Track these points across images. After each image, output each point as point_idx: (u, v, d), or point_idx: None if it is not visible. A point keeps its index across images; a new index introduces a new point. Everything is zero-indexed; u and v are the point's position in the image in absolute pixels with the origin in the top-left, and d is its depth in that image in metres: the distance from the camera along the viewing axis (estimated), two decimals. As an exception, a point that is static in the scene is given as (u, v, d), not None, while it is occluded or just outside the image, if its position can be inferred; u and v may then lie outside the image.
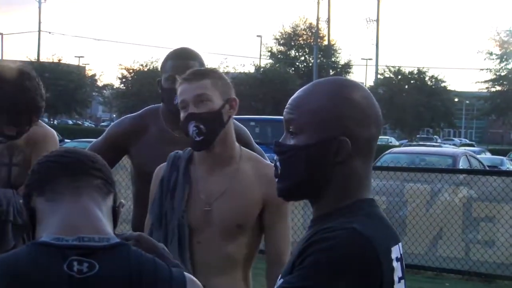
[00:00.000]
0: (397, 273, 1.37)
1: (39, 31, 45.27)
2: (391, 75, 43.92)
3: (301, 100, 1.45)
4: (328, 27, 42.76)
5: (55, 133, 2.91)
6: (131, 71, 43.81)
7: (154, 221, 2.40)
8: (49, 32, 62.39)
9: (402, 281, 1.40)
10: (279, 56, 51.32)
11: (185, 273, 1.38)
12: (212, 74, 2.38)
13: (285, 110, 1.47)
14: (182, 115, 2.37)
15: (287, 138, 1.45)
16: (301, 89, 1.49)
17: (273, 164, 2.42)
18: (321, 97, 1.42)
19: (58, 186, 1.40)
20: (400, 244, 1.43)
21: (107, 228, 1.39)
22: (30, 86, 2.59)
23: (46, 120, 48.91)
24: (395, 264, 1.37)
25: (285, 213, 2.41)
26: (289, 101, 1.48)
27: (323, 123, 1.40)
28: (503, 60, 41.95)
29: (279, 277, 1.43)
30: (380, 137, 1.51)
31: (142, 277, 1.32)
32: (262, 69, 44.47)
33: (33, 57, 45.42)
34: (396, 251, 1.39)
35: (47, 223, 1.38)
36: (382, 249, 1.34)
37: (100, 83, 55.77)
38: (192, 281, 1.38)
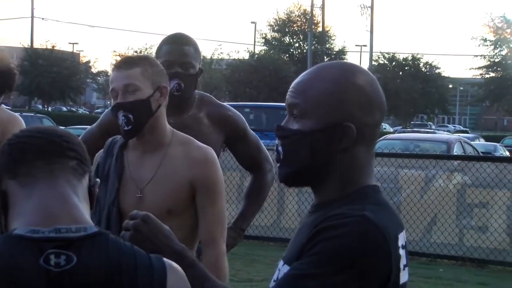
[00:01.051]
0: (403, 260, 1.37)
1: (32, 17, 44.97)
2: (386, 62, 43.91)
3: (306, 84, 1.42)
4: (323, 13, 42.60)
5: (19, 116, 3.12)
6: (125, 57, 43.61)
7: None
8: (43, 18, 62.09)
9: (406, 268, 1.39)
10: (273, 42, 51.17)
11: (165, 260, 1.34)
12: (142, 62, 2.38)
13: (288, 93, 1.44)
14: (113, 104, 2.39)
15: (290, 122, 1.42)
16: (304, 73, 1.46)
17: (205, 147, 2.43)
18: (327, 82, 1.40)
19: (32, 169, 1.32)
20: (404, 231, 1.42)
21: (85, 215, 1.33)
22: (2, 55, 2.85)
23: (40, 107, 48.78)
24: (401, 251, 1.37)
25: (217, 196, 2.39)
26: (293, 84, 1.45)
27: (328, 109, 1.38)
28: (497, 46, 41.93)
29: (282, 263, 1.41)
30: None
31: (122, 267, 1.28)
32: (256, 56, 44.36)
33: (26, 44, 45.16)
34: (402, 239, 1.38)
35: (20, 210, 1.31)
36: (391, 237, 1.34)
37: (94, 70, 55.61)
38: (172, 268, 1.34)
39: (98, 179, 1.42)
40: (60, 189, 1.32)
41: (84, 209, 1.34)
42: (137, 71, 2.34)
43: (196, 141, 2.45)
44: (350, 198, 1.38)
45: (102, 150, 2.50)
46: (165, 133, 2.41)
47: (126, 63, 2.37)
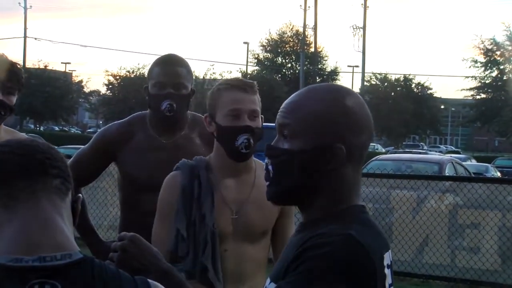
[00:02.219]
0: (388, 280, 1.38)
1: (25, 37, 45.06)
2: (378, 82, 44.15)
3: (297, 105, 1.44)
4: (315, 34, 42.82)
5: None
6: (117, 77, 43.71)
7: (182, 231, 2.34)
8: (35, 38, 62.23)
9: (392, 287, 1.41)
10: (265, 63, 51.36)
11: (150, 282, 1.33)
12: (257, 91, 2.43)
13: (278, 113, 1.46)
14: (232, 122, 2.35)
15: (280, 141, 1.44)
16: (295, 94, 1.49)
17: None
18: (318, 103, 1.42)
19: (14, 191, 1.26)
20: (390, 251, 1.44)
21: (70, 240, 1.28)
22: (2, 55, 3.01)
23: (32, 126, 48.68)
24: (386, 271, 1.38)
25: (293, 219, 2.51)
26: (283, 105, 1.47)
27: (319, 130, 1.40)
28: (488, 68, 42.21)
29: (268, 281, 1.43)
30: (366, 144, 1.51)
31: None
32: (248, 76, 44.50)
33: (19, 63, 45.08)
34: (387, 258, 1.40)
35: (2, 235, 1.25)
36: (377, 256, 1.35)
37: (86, 90, 55.58)
38: None
39: (80, 195, 1.37)
40: (43, 213, 1.27)
41: (69, 232, 1.30)
42: (257, 98, 2.40)
43: None
44: (336, 217, 1.40)
45: (177, 173, 2.41)
46: (252, 158, 2.46)
47: (252, 88, 2.39)
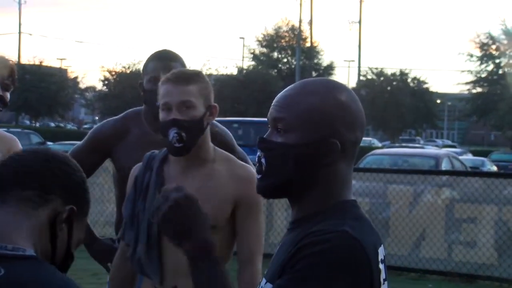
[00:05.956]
0: (382, 274, 1.38)
1: (19, 32, 44.95)
2: (374, 77, 44.12)
3: (292, 99, 1.44)
4: (311, 28, 42.81)
5: None
6: (113, 73, 43.60)
7: (127, 220, 2.43)
8: (30, 34, 62.09)
9: (386, 282, 1.41)
10: (261, 58, 51.29)
11: None
12: (198, 79, 2.38)
13: (272, 107, 1.45)
14: (163, 116, 2.36)
15: (274, 135, 1.43)
16: (289, 88, 1.47)
17: (247, 165, 2.44)
18: (313, 98, 1.42)
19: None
20: (382, 245, 1.44)
21: (25, 240, 1.37)
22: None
23: (28, 122, 48.62)
24: (381, 265, 1.38)
25: (257, 213, 2.42)
26: (277, 99, 1.46)
27: (314, 124, 1.40)
28: (483, 62, 42.22)
29: (264, 281, 1.42)
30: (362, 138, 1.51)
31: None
32: (244, 71, 44.44)
33: (13, 59, 44.89)
34: (381, 253, 1.40)
35: None
36: (371, 251, 1.35)
37: (82, 86, 55.46)
38: None
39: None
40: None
41: (28, 237, 1.39)
42: (194, 88, 2.35)
43: (236, 159, 2.49)
44: (330, 213, 1.40)
45: (140, 164, 2.48)
46: (209, 148, 2.43)
47: (182, 78, 2.35)
